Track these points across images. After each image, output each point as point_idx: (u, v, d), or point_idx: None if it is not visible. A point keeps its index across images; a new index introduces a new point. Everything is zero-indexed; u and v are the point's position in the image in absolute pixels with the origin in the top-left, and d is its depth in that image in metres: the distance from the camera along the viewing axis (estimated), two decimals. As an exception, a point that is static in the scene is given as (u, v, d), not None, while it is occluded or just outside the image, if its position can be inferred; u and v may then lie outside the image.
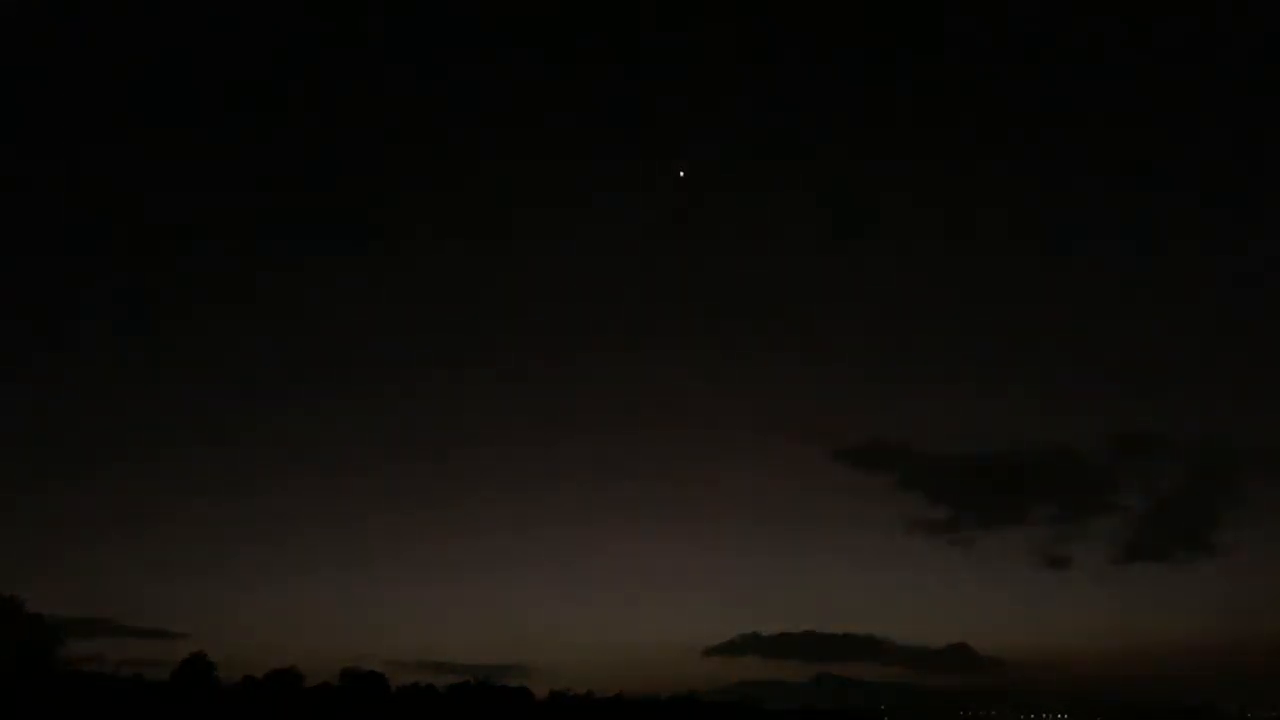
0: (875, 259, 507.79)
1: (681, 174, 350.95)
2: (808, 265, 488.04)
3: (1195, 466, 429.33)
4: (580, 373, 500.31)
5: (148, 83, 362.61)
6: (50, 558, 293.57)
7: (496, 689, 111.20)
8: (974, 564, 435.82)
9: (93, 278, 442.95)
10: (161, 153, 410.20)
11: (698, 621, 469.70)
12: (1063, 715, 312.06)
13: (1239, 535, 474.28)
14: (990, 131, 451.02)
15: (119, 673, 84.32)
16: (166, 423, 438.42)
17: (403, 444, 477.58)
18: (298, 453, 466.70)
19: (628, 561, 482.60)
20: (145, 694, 78.99)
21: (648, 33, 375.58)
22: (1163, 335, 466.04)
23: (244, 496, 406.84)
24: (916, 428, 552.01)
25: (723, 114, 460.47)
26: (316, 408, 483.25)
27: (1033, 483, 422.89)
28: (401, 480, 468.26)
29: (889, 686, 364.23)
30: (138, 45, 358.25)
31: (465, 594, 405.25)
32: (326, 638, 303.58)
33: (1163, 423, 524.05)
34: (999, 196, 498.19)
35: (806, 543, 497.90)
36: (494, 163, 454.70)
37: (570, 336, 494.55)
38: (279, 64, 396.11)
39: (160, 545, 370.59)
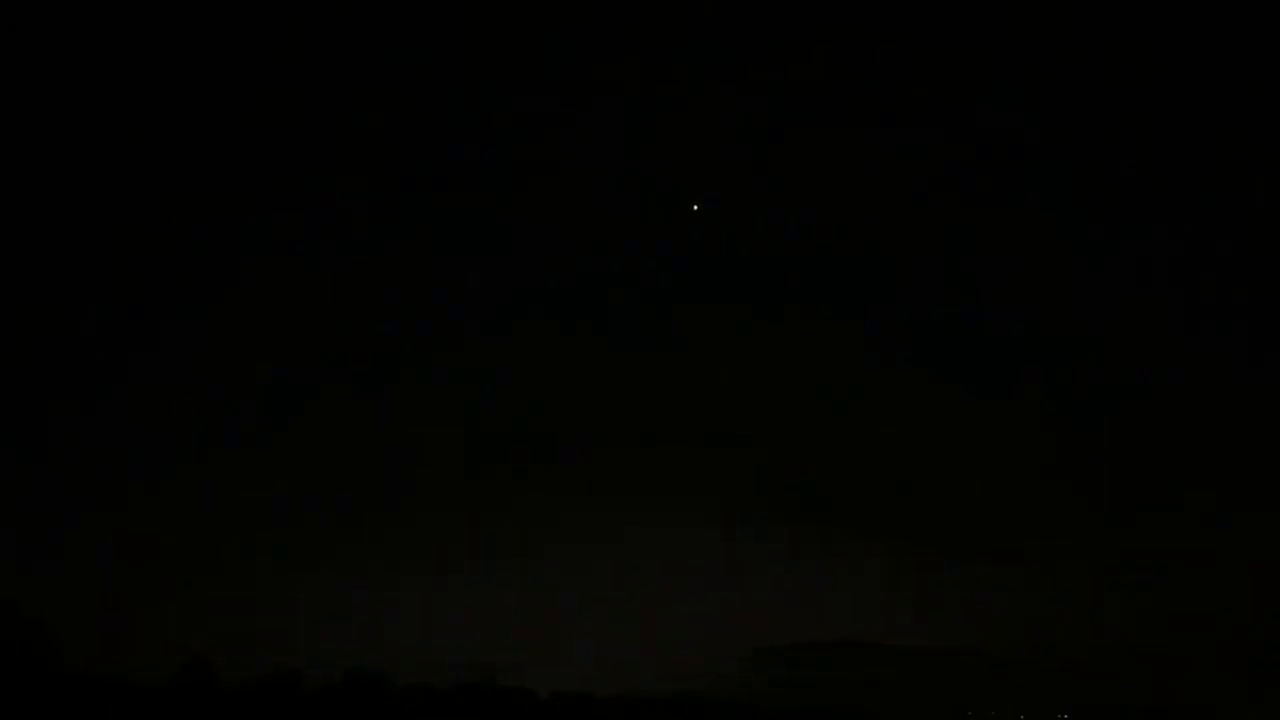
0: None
1: (695, 208, 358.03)
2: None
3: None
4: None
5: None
6: (50, 558, 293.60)
7: (497, 689, 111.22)
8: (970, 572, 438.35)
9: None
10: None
11: (702, 625, 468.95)
12: (1064, 716, 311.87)
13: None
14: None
15: (118, 674, 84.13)
16: (169, 419, 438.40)
17: (405, 444, 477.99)
18: (299, 452, 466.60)
19: (632, 564, 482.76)
20: (145, 695, 78.84)
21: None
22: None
23: (244, 495, 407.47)
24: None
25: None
26: (319, 407, 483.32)
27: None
28: (403, 480, 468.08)
29: (888, 687, 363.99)
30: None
31: (466, 593, 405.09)
32: (327, 638, 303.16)
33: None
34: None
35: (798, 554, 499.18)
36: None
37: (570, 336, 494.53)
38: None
39: (160, 544, 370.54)
